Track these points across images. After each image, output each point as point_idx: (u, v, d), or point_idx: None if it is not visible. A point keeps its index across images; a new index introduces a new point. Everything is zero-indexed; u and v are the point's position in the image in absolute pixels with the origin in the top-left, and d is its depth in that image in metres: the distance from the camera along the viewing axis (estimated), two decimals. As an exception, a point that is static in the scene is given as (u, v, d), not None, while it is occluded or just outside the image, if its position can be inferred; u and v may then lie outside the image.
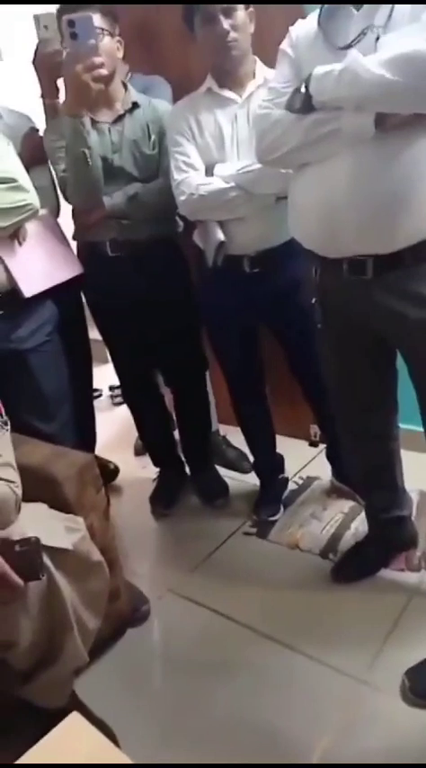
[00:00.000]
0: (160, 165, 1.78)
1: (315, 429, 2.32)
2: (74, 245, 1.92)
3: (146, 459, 2.36)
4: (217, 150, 1.66)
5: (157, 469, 2.32)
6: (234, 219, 1.67)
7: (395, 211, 1.22)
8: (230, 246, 1.70)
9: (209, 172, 1.66)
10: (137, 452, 2.59)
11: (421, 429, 1.50)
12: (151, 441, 2.29)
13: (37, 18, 1.69)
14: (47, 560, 1.18)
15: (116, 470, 2.47)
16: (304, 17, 1.40)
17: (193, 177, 1.65)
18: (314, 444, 2.39)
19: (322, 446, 2.26)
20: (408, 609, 1.63)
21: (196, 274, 1.92)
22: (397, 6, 1.17)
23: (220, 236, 1.69)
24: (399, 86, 1.11)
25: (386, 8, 1.19)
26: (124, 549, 2.07)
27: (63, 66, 1.57)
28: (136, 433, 2.42)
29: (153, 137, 1.78)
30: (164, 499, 2.22)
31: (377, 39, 1.18)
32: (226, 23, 1.53)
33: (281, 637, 1.60)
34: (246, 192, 1.60)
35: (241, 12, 1.55)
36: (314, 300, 1.50)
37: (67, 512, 1.37)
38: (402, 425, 1.63)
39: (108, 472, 2.35)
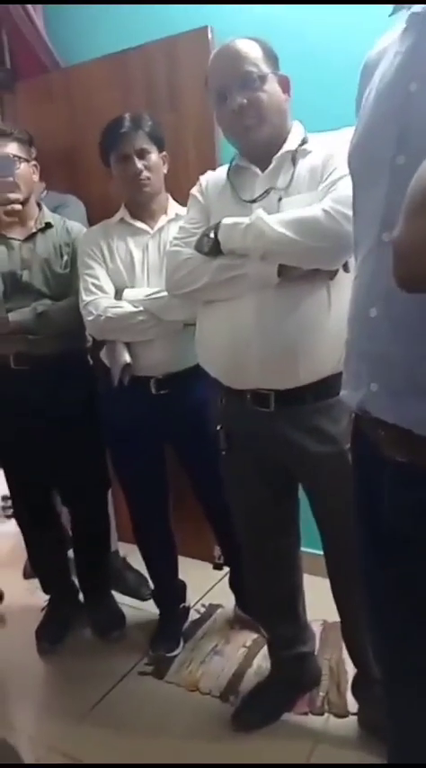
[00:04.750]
0: (71, 285, 1.77)
1: (218, 551, 2.24)
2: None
3: (36, 583, 2.16)
4: (127, 275, 1.69)
5: (47, 596, 2.12)
6: (141, 342, 1.68)
7: (295, 353, 1.28)
8: (136, 368, 1.69)
9: (119, 295, 1.67)
10: (27, 575, 2.37)
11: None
12: (41, 566, 2.10)
13: None
14: None
15: (0, 595, 2.23)
16: (214, 169, 1.51)
17: (102, 299, 1.65)
18: (218, 567, 2.30)
19: (226, 569, 2.17)
20: (313, 757, 1.53)
21: (102, 390, 1.88)
22: (297, 174, 1.29)
23: (127, 357, 1.68)
24: (299, 245, 1.20)
25: (287, 174, 1.30)
26: (1, 694, 1.84)
27: None
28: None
29: (65, 257, 1.78)
30: (52, 633, 2.01)
31: (280, 199, 1.28)
32: (139, 164, 1.61)
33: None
34: (154, 316, 1.62)
35: (154, 155, 1.64)
36: (219, 427, 1.50)
37: None
38: (305, 549, 1.62)
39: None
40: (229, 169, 1.41)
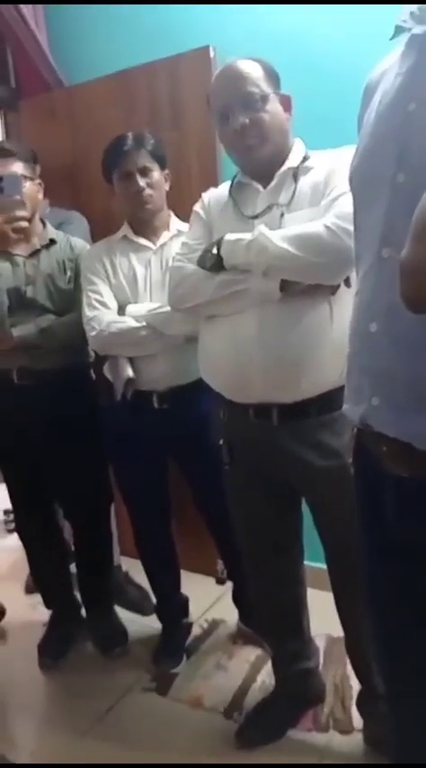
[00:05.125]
0: (75, 300, 1.79)
1: (221, 565, 2.24)
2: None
3: (38, 598, 2.15)
4: (130, 291, 1.70)
5: (49, 611, 2.11)
6: (144, 356, 1.69)
7: (298, 366, 1.29)
8: (139, 382, 1.70)
9: (122, 311, 1.69)
10: (29, 589, 2.36)
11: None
12: (43, 581, 2.09)
13: None
14: None
15: (1, 611, 2.22)
16: (216, 185, 1.53)
17: (105, 314, 1.67)
18: (220, 582, 2.30)
19: (229, 583, 2.16)
20: (318, 774, 1.51)
21: (105, 404, 1.89)
22: (299, 190, 1.31)
23: (129, 372, 1.69)
24: (301, 260, 1.21)
25: (289, 190, 1.32)
26: (2, 711, 1.83)
27: None
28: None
29: (69, 273, 1.80)
30: (54, 649, 2.00)
31: (282, 215, 1.29)
32: (141, 181, 1.64)
33: None
34: (157, 331, 1.63)
35: (156, 172, 1.66)
36: (221, 441, 1.50)
37: None
38: (309, 563, 1.62)
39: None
40: (231, 185, 1.43)
